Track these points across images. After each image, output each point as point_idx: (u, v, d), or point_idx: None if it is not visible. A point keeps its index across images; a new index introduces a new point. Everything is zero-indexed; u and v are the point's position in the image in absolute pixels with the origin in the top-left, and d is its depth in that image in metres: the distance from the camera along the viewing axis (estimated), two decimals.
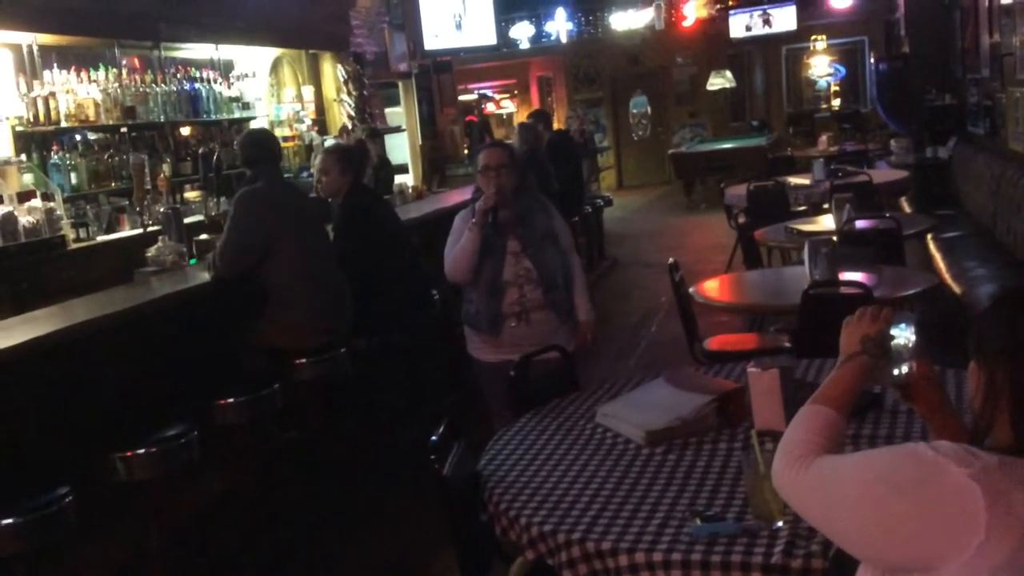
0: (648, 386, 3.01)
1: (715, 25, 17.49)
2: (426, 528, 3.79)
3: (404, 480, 4.26)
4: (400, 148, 11.75)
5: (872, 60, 15.60)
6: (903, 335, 1.75)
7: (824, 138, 12.30)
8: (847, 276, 4.22)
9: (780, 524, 2.01)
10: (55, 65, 6.32)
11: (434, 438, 2.48)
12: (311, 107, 9.58)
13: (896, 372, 1.76)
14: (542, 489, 2.40)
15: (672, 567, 1.96)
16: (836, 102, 17.65)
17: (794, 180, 8.71)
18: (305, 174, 7.87)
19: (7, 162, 5.74)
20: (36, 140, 6.19)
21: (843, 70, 17.81)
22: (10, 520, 2.73)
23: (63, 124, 6.27)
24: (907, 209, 8.53)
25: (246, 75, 8.50)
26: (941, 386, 1.82)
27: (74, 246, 5.83)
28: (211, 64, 8.19)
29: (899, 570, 1.39)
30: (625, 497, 2.30)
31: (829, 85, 17.99)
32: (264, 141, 4.78)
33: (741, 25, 17.16)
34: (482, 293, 3.83)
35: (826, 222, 6.18)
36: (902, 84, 11.50)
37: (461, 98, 15.61)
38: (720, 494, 2.25)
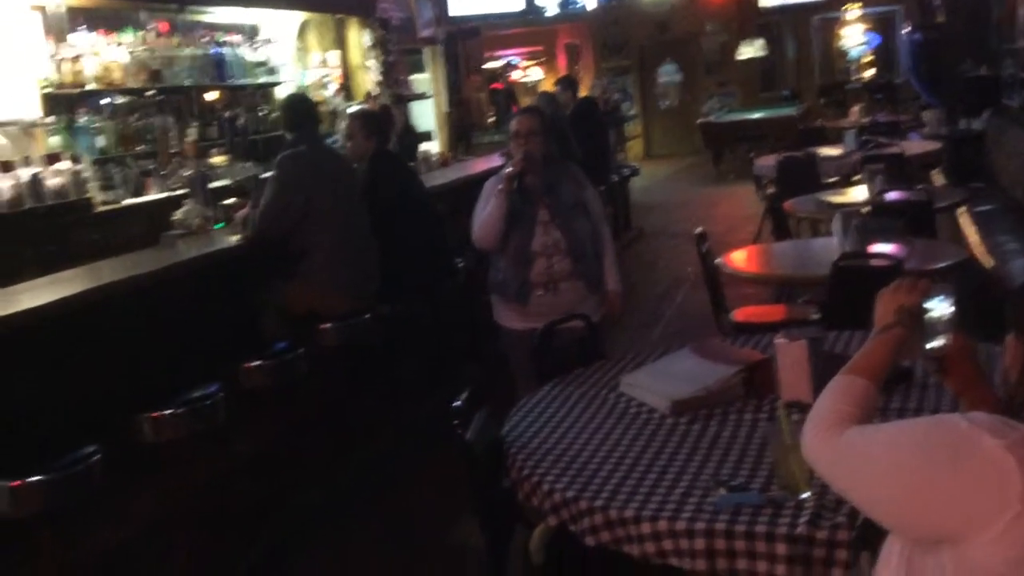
0: (673, 356, 2.99)
1: None
2: (449, 494, 3.79)
3: (427, 446, 4.27)
4: (426, 115, 11.69)
5: (906, 30, 15.31)
6: (940, 308, 1.72)
7: (856, 109, 12.12)
8: (877, 248, 4.16)
9: (806, 495, 1.99)
10: (82, 27, 6.31)
11: (457, 403, 2.48)
12: (337, 73, 9.52)
13: (931, 345, 1.73)
14: (565, 456, 2.39)
15: (695, 536, 1.95)
16: (869, 72, 17.37)
17: (825, 151, 8.60)
18: (331, 140, 7.84)
19: (35, 124, 5.75)
20: (63, 102, 6.19)
21: (876, 40, 17.51)
22: (37, 478, 2.76)
23: (90, 87, 6.27)
24: (939, 182, 8.40)
25: (272, 39, 8.46)
26: (976, 360, 1.79)
27: (100, 209, 5.85)
28: (236, 28, 8.16)
29: (929, 541, 1.36)
30: (648, 466, 2.28)
31: (862, 55, 17.69)
32: (305, 105, 4.90)
33: None
34: (510, 262, 3.81)
35: (857, 194, 6.11)
36: (936, 55, 11.29)
37: (487, 65, 15.49)
38: (745, 465, 2.23)
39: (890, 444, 1.43)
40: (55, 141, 5.85)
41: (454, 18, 12.41)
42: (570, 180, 3.94)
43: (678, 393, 2.62)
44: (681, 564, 1.98)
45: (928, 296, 1.73)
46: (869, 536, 1.63)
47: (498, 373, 4.01)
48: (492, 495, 2.47)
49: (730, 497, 2.05)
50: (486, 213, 3.78)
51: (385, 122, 5.23)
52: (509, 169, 3.74)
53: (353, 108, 8.04)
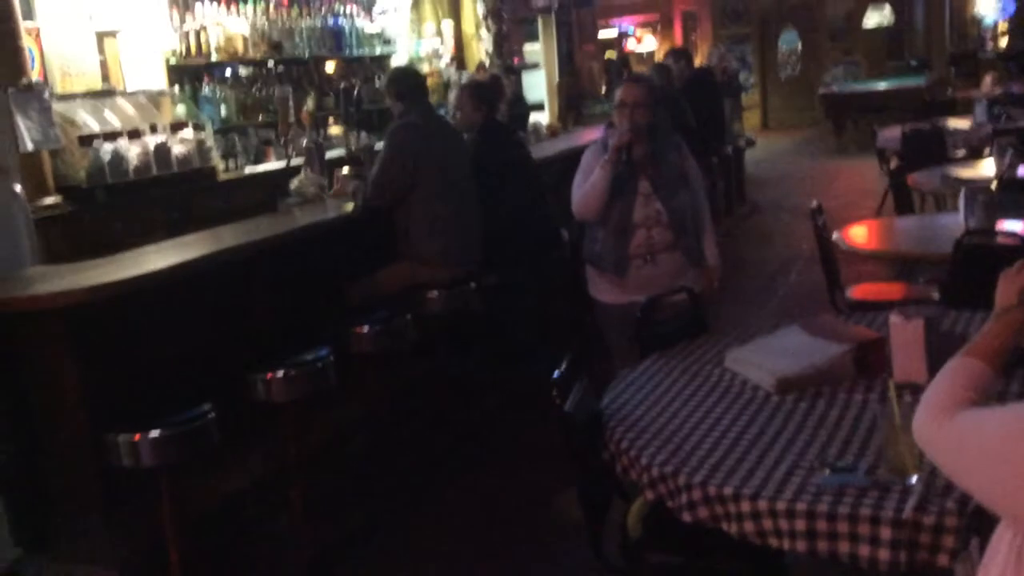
0: (782, 332, 2.91)
1: None
2: (548, 465, 3.81)
3: (528, 417, 4.29)
4: (537, 86, 11.64)
5: None
6: None
7: (988, 79, 11.52)
8: (1004, 225, 3.95)
9: (914, 479, 1.92)
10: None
11: (557, 374, 2.48)
12: (450, 43, 9.58)
13: None
14: (665, 431, 2.37)
15: (796, 516, 1.91)
16: (1003, 41, 16.45)
17: (953, 123, 8.23)
18: (443, 111, 7.91)
19: (161, 93, 5.99)
20: (188, 73, 6.42)
21: (1011, 6, 16.54)
22: (156, 433, 2.89)
23: (213, 58, 6.48)
24: None
25: (388, 10, 8.56)
26: None
27: (223, 177, 6.06)
28: None
29: None
30: (751, 444, 2.24)
31: (996, 23, 16.76)
32: (415, 76, 4.99)
33: None
34: (609, 233, 3.76)
35: (986, 168, 5.82)
36: None
37: (601, 34, 15.30)
38: (852, 446, 2.17)
39: (1003, 428, 1.38)
40: (180, 111, 6.07)
41: None
42: (673, 152, 3.86)
43: (784, 370, 2.56)
44: (780, 544, 1.94)
45: None
46: (980, 523, 1.57)
47: (596, 346, 3.99)
48: (590, 467, 2.47)
49: (834, 478, 1.99)
50: (588, 184, 3.73)
51: (494, 92, 5.24)
52: (615, 140, 3.68)
53: (463, 79, 8.09)
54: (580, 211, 3.82)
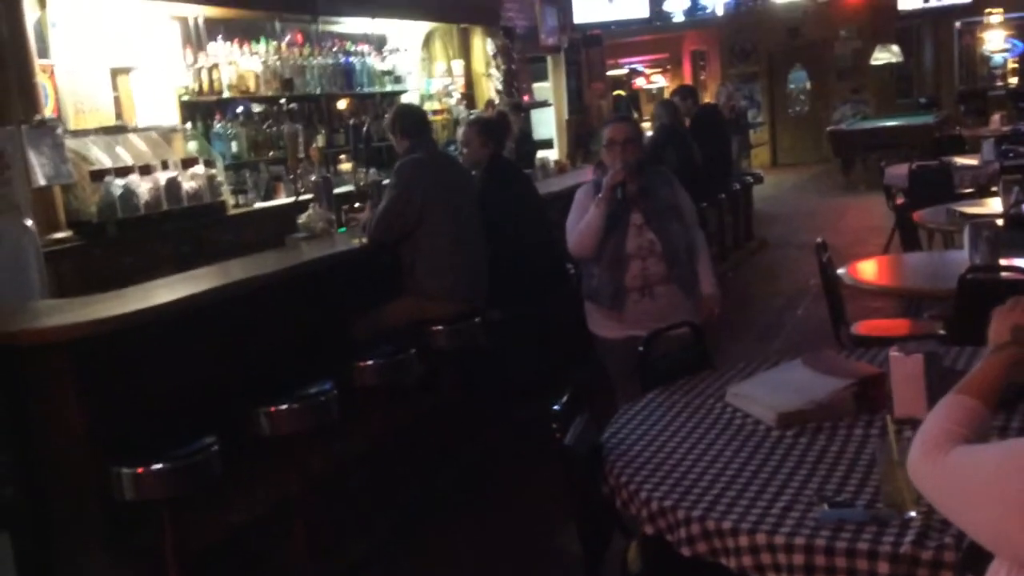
0: (784, 367, 2.92)
1: None
2: (553, 499, 3.80)
3: (533, 452, 4.27)
4: (547, 123, 11.74)
5: None
6: None
7: (997, 117, 11.57)
8: (1009, 262, 3.95)
9: (913, 514, 1.91)
10: (219, 37, 6.62)
11: (556, 407, 2.48)
12: (460, 81, 9.68)
13: None
14: (665, 465, 2.37)
15: (794, 551, 1.90)
16: (1013, 80, 16.52)
17: (961, 160, 8.24)
18: (452, 147, 7.99)
19: (173, 130, 6.06)
20: (200, 109, 6.51)
21: (1021, 45, 16.63)
22: (159, 466, 2.91)
23: (225, 94, 6.57)
24: None
25: (399, 49, 8.67)
26: None
27: (233, 212, 6.12)
28: (366, 38, 8.40)
29: None
30: (751, 478, 2.24)
31: (1006, 61, 16.85)
32: (419, 112, 5.05)
33: None
34: (604, 267, 3.82)
35: (994, 205, 5.83)
36: None
37: (611, 73, 15.45)
38: (851, 481, 2.16)
39: (996, 465, 1.38)
40: (192, 146, 6.15)
41: (579, 25, 12.42)
42: (663, 184, 3.96)
43: (785, 405, 2.56)
44: None
45: None
46: (975, 559, 1.56)
47: (600, 380, 4.00)
48: (590, 501, 2.46)
49: (833, 512, 1.99)
50: (584, 223, 3.80)
51: (501, 129, 5.30)
52: (609, 178, 3.75)
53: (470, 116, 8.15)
54: (576, 249, 3.89)
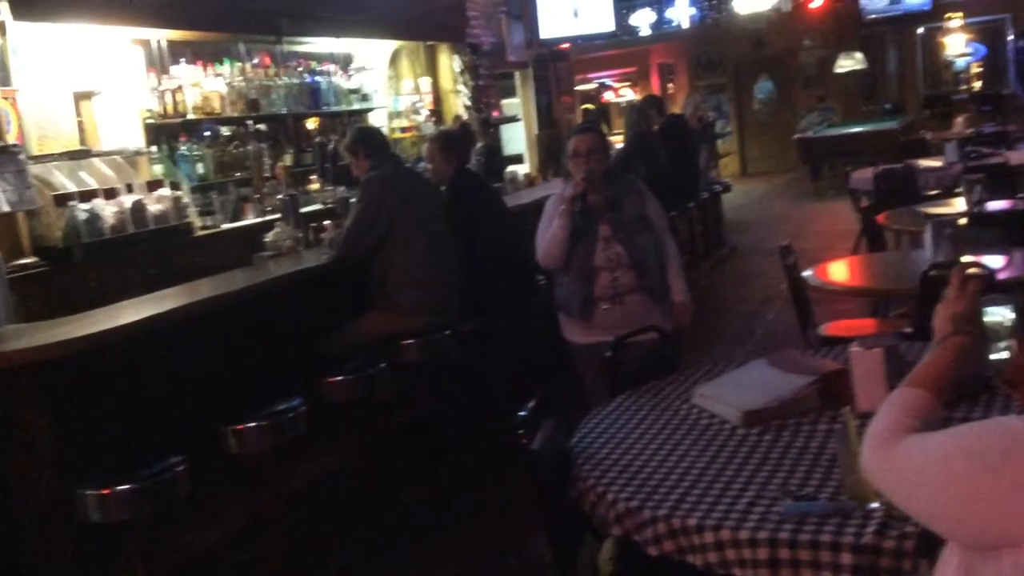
0: (749, 367, 2.95)
1: (845, 5, 16.86)
2: (525, 510, 3.80)
3: (508, 462, 4.27)
4: (517, 139, 11.79)
5: (1011, 38, 14.74)
6: (1001, 316, 1.68)
7: (960, 120, 11.74)
8: (969, 258, 4.00)
9: (875, 505, 1.93)
10: (183, 60, 6.60)
11: (522, 413, 2.48)
12: (428, 98, 9.70)
13: (995, 356, 1.69)
14: (632, 467, 2.37)
15: (759, 545, 1.91)
16: (977, 83, 16.76)
17: (924, 163, 8.34)
18: (421, 164, 7.99)
19: (138, 153, 6.02)
20: (165, 132, 6.47)
21: (983, 50, 16.88)
22: (126, 486, 2.88)
23: (190, 116, 6.54)
24: None
25: (365, 67, 8.68)
26: None
27: (200, 233, 6.07)
28: (331, 57, 8.40)
29: (987, 547, 1.31)
30: (715, 476, 2.25)
31: (969, 65, 17.09)
32: (376, 133, 5.07)
33: (873, 4, 16.49)
34: (574, 278, 3.83)
35: (959, 205, 5.90)
36: None
37: (580, 87, 15.54)
38: (815, 475, 2.18)
39: (943, 452, 1.39)
40: (157, 169, 6.11)
41: (545, 41, 12.49)
42: (632, 194, 3.94)
43: (750, 404, 2.58)
44: (744, 575, 1.93)
45: (979, 297, 1.70)
46: (929, 544, 1.57)
47: (574, 388, 4.00)
48: (559, 505, 2.46)
49: (796, 506, 2.00)
50: (549, 234, 3.82)
51: (464, 142, 5.30)
52: (568, 189, 3.76)
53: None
54: (543, 259, 3.91)
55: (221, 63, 6.89)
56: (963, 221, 5.03)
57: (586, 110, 13.78)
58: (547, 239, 3.83)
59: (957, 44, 16.99)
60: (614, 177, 3.93)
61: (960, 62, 17.15)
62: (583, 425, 2.72)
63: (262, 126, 7.35)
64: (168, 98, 6.34)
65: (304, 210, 5.79)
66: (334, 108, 8.16)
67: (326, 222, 5.34)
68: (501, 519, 4.10)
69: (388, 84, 9.31)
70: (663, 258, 3.90)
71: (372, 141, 4.76)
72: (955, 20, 16.56)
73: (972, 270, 1.81)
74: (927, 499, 1.40)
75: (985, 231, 4.79)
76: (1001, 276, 3.68)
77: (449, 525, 4.12)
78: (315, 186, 7.44)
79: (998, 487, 1.28)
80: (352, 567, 3.75)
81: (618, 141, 9.16)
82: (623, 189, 3.93)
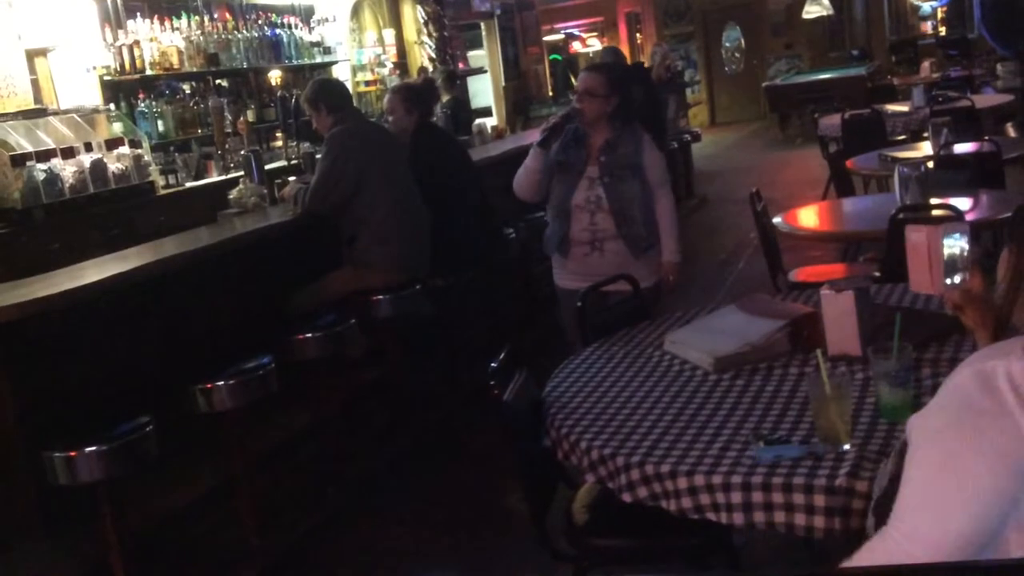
0: (720, 313, 2.93)
1: None
2: (503, 461, 3.80)
3: (482, 415, 4.27)
4: (484, 91, 11.66)
5: None
6: (956, 244, 1.68)
7: (926, 64, 11.76)
8: (938, 200, 4.01)
9: (847, 447, 1.93)
10: (138, 15, 6.43)
11: (494, 365, 2.46)
12: (392, 51, 9.56)
13: (949, 281, 1.70)
14: (604, 414, 2.36)
15: (732, 489, 1.90)
16: (942, 29, 16.77)
17: (892, 108, 8.34)
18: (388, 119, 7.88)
19: (96, 111, 5.89)
20: (123, 89, 6.33)
21: None
22: (93, 448, 2.83)
23: (148, 72, 6.40)
24: (1012, 134, 8.07)
25: (327, 20, 8.52)
26: (991, 301, 1.70)
27: (163, 192, 5.98)
28: (292, 10, 8.24)
29: None
30: (688, 422, 2.24)
31: (935, 11, 17.08)
32: (339, 86, 4.93)
33: None
34: (553, 215, 3.87)
35: (925, 149, 5.91)
36: (1009, 3, 10.83)
37: (547, 38, 15.36)
38: (787, 419, 2.17)
39: (927, 480, 1.37)
40: (117, 127, 5.98)
41: None
42: (631, 142, 3.81)
43: (721, 349, 2.56)
44: (718, 518, 1.93)
45: (944, 230, 1.71)
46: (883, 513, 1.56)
47: (554, 339, 3.99)
48: (532, 455, 2.45)
49: (768, 450, 1.99)
50: (523, 165, 3.85)
51: (427, 94, 5.18)
52: (551, 119, 3.77)
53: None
54: (517, 189, 3.93)
55: (179, 17, 6.72)
56: (931, 164, 5.03)
57: (554, 61, 13.62)
58: (520, 169, 3.86)
59: None
60: (619, 121, 3.81)
61: (926, 7, 17.14)
62: (555, 374, 2.70)
63: (223, 81, 7.21)
64: (125, 54, 6.20)
65: (269, 167, 5.69)
66: (296, 62, 8.02)
67: (290, 178, 5.26)
68: (478, 471, 4.10)
69: (351, 37, 9.16)
70: (650, 210, 3.82)
71: (334, 95, 4.65)
72: None
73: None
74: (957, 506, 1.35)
75: (952, 174, 4.80)
76: (969, 217, 3.69)
77: (424, 481, 4.12)
78: (279, 142, 7.32)
79: (977, 451, 1.29)
80: (327, 523, 3.74)
81: None
82: (623, 136, 3.81)
